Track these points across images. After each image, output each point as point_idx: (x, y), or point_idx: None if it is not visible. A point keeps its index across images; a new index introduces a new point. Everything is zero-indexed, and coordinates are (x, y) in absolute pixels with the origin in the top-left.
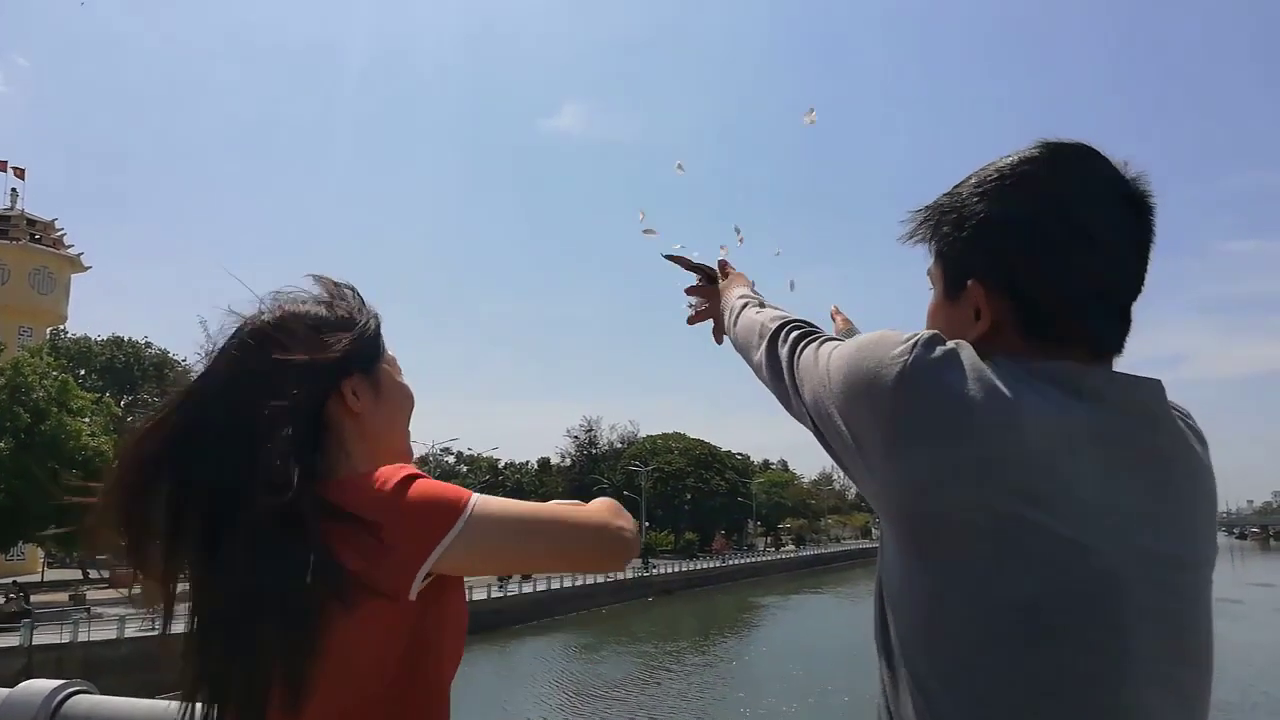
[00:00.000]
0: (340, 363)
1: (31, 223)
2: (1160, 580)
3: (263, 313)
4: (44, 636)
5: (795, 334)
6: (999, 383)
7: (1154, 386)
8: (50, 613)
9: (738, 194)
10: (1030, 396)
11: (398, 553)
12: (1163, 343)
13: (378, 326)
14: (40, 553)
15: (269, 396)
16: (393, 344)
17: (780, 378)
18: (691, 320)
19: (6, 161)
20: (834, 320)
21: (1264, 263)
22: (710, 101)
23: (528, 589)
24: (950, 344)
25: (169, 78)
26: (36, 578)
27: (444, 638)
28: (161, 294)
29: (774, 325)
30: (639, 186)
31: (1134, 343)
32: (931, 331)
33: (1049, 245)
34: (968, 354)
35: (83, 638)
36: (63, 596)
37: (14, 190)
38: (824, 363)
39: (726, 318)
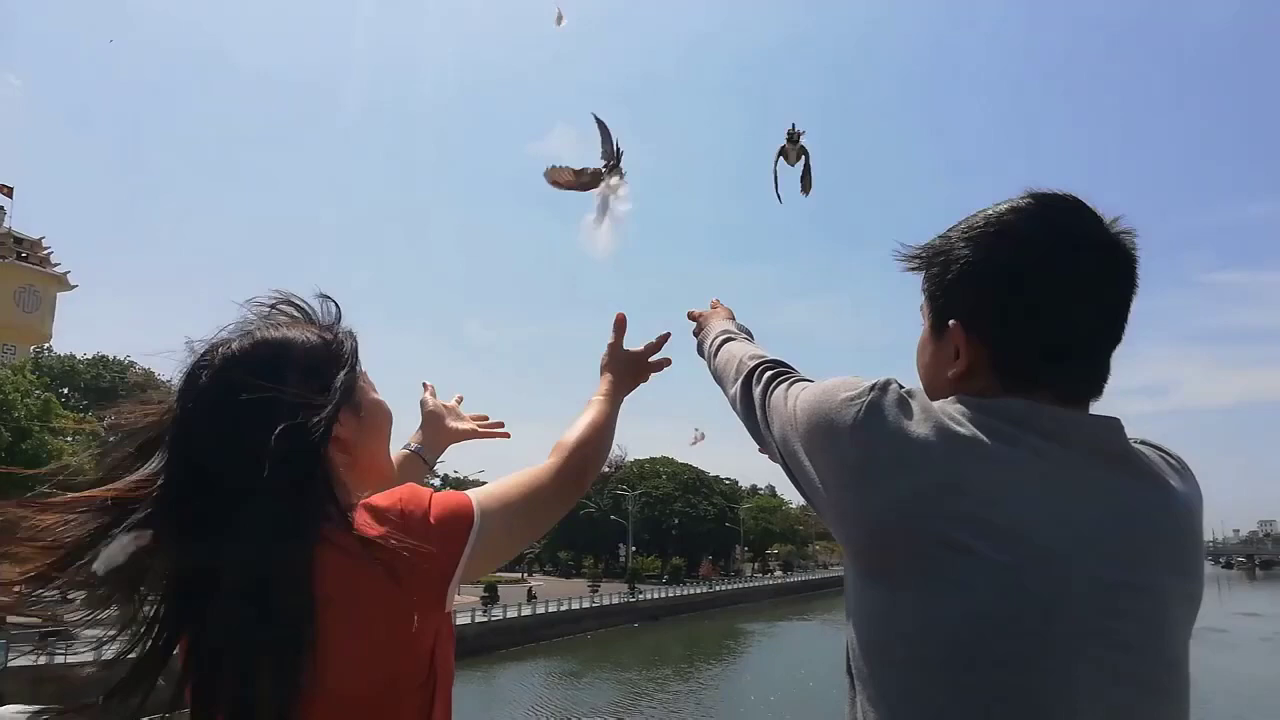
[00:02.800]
0: (337, 405)
1: (18, 240)
2: (1105, 605)
3: (246, 336)
4: (18, 659)
5: (769, 374)
6: (948, 421)
7: (1110, 423)
8: (25, 634)
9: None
10: (980, 433)
11: (430, 567)
12: (1149, 372)
13: (356, 348)
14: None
15: (268, 430)
16: (380, 363)
17: (752, 413)
18: None
19: None
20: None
21: (1249, 294)
22: (697, 128)
23: (513, 614)
24: (903, 389)
25: (163, 101)
26: None
27: (448, 647)
28: (149, 314)
29: (751, 363)
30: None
31: (1119, 372)
32: (888, 378)
33: (1028, 295)
34: (919, 398)
35: (59, 660)
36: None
37: (1, 208)
38: (791, 403)
39: (707, 350)
